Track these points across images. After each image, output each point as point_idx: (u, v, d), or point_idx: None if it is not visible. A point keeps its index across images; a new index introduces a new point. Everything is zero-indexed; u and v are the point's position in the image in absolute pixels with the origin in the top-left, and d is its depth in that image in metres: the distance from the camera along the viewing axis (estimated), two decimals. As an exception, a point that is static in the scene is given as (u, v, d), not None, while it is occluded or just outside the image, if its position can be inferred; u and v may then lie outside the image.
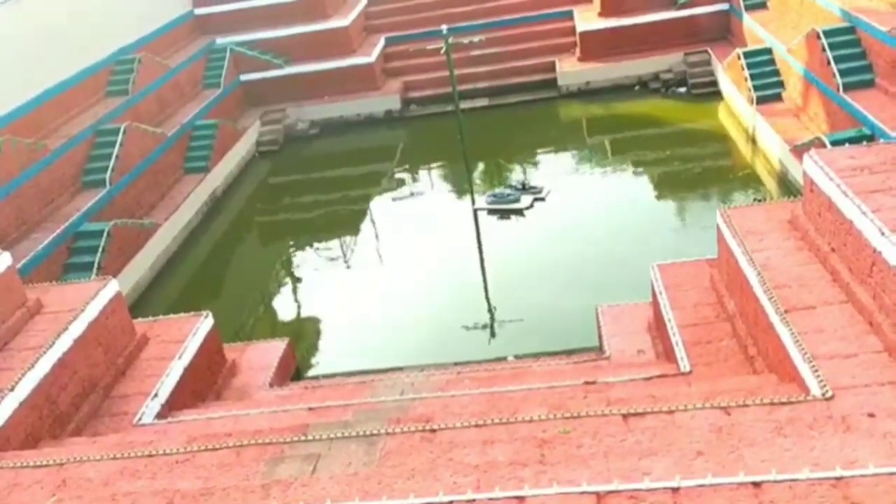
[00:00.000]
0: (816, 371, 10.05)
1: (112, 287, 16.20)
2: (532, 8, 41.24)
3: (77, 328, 14.82)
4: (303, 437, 10.77)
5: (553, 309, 20.89)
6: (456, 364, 18.72)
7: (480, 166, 32.06)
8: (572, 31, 39.34)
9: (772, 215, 14.18)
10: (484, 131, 34.35)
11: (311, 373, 20.48)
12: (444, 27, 29.90)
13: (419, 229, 27.26)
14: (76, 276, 22.80)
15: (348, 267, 25.90)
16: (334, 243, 27.86)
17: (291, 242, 28.91)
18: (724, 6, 36.48)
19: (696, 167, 29.10)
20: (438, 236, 26.58)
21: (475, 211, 27.27)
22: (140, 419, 14.40)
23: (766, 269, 12.35)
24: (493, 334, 21.03)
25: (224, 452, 10.73)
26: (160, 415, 14.84)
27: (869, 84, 23.94)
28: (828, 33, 25.24)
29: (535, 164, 31.67)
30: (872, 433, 8.44)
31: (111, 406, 14.82)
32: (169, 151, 31.81)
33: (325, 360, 21.21)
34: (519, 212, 26.92)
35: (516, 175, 30.60)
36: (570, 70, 37.33)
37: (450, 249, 25.54)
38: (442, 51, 28.67)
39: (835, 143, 21.58)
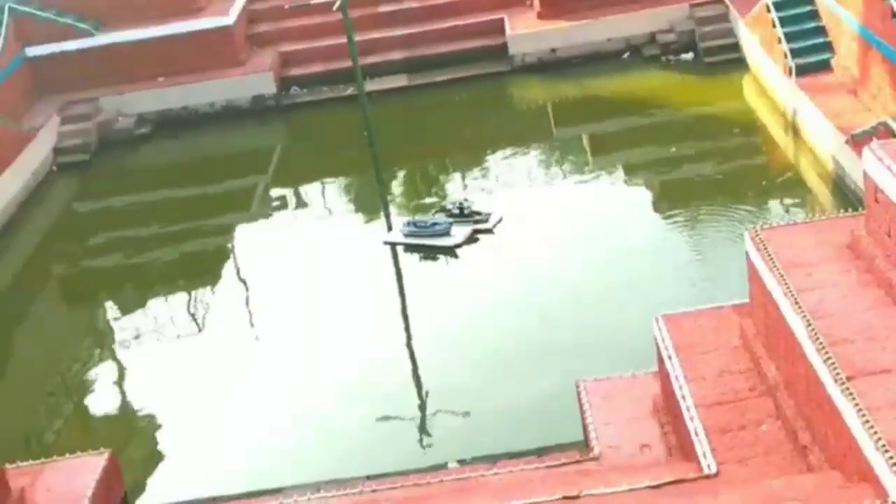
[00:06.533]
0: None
1: None
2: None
3: None
4: None
5: (512, 389, 17.43)
6: (368, 478, 15.16)
7: (399, 177, 26.74)
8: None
9: (824, 237, 12.86)
10: (402, 125, 28.30)
11: (146, 502, 16.61)
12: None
13: (307, 276, 22.04)
14: None
15: (201, 336, 21.00)
16: (178, 301, 22.52)
17: (111, 302, 22.91)
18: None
19: (714, 171, 24.46)
20: (336, 286, 21.47)
21: (391, 245, 22.31)
22: None
23: (819, 317, 11.15)
24: (424, 431, 17.42)
25: None
26: None
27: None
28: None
29: (481, 173, 26.37)
30: None
31: None
32: None
33: (167, 483, 17.11)
34: (449, 250, 22.18)
35: (454, 189, 25.47)
36: (527, 32, 29.92)
37: (354, 305, 20.69)
38: (336, 6, 23.03)
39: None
